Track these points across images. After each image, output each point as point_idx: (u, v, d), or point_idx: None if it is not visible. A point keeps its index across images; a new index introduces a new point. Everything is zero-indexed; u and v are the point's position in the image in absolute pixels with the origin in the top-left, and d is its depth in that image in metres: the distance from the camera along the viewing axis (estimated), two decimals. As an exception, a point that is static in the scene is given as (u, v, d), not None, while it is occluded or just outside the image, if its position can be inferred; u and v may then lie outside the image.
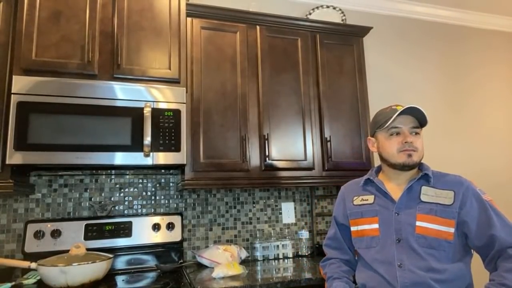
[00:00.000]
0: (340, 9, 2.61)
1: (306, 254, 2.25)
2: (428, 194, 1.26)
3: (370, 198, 1.36)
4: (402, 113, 1.27)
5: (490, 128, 3.09)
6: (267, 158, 2.00)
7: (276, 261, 2.10)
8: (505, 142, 3.12)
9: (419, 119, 1.31)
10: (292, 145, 2.07)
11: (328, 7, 2.60)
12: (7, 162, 1.54)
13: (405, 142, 1.27)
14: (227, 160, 1.93)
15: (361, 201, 1.38)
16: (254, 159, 2.00)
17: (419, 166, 1.33)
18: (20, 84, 1.60)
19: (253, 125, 2.03)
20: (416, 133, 1.30)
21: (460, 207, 1.21)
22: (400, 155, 1.28)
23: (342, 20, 2.57)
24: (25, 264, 1.51)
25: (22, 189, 1.76)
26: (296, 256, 2.25)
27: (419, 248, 1.19)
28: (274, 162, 2.01)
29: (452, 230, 1.19)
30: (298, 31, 2.22)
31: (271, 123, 2.05)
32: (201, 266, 1.95)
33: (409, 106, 1.27)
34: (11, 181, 1.59)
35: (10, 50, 1.67)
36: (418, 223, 1.22)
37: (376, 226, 1.30)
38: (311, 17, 2.54)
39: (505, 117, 3.17)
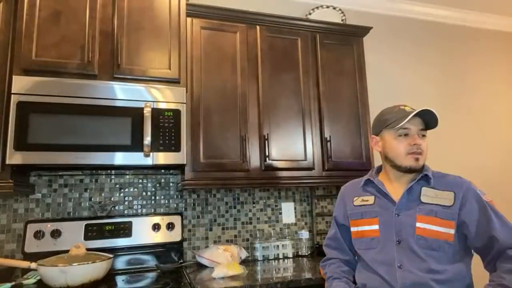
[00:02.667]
0: (340, 9, 2.61)
1: (306, 254, 2.25)
2: (428, 195, 1.26)
3: (370, 199, 1.35)
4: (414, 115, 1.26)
5: (489, 128, 3.09)
6: (267, 158, 2.00)
7: (276, 261, 2.10)
8: (504, 142, 3.12)
9: (427, 122, 1.30)
10: (292, 145, 2.07)
11: (328, 7, 2.60)
12: (7, 162, 1.54)
13: (414, 144, 1.26)
14: (227, 160, 1.93)
15: (361, 201, 1.38)
16: (254, 159, 2.00)
17: None
18: (20, 84, 1.60)
19: (253, 125, 2.03)
20: (423, 135, 1.29)
21: (460, 208, 1.21)
22: (407, 158, 1.26)
23: (342, 20, 2.57)
24: (25, 264, 1.51)
25: (22, 189, 1.76)
26: (296, 256, 2.25)
27: (419, 250, 1.19)
28: (274, 162, 2.01)
29: (452, 231, 1.19)
30: (298, 31, 2.22)
31: (271, 123, 2.05)
32: (201, 266, 1.95)
33: (425, 108, 1.25)
34: (11, 181, 1.59)
35: (10, 50, 1.67)
36: (418, 224, 1.22)
37: (376, 227, 1.30)
38: (311, 17, 2.54)
39: (505, 116, 3.17)
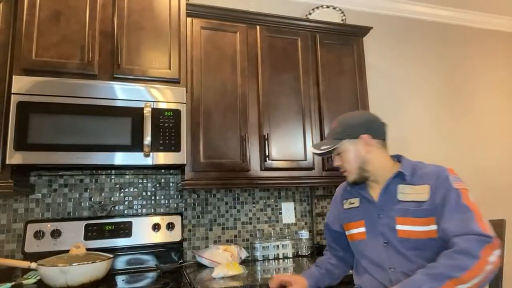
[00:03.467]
0: (340, 9, 2.61)
1: (306, 254, 2.25)
2: (405, 192, 1.21)
3: (356, 201, 1.35)
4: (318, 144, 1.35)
5: (490, 127, 3.09)
6: (267, 158, 2.00)
7: (276, 261, 2.10)
8: (504, 142, 3.11)
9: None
10: (292, 145, 2.07)
11: (328, 7, 2.60)
12: (7, 162, 1.54)
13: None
14: (227, 160, 1.93)
15: (349, 204, 1.38)
16: (254, 159, 2.00)
17: (399, 160, 1.31)
18: (20, 84, 1.60)
19: (253, 125, 2.03)
20: (338, 154, 1.31)
21: (435, 198, 1.15)
22: None
23: (342, 20, 2.57)
24: (25, 264, 1.51)
25: (22, 189, 1.76)
26: (296, 256, 2.25)
27: (405, 251, 1.17)
28: (274, 162, 2.01)
29: (434, 227, 1.13)
30: (298, 31, 2.22)
31: (271, 123, 2.05)
32: (201, 266, 1.95)
33: (316, 151, 1.31)
34: (11, 181, 1.59)
35: (10, 50, 1.67)
36: (398, 227, 1.19)
37: (363, 229, 1.30)
38: (311, 17, 2.54)
39: (505, 116, 3.17)
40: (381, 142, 1.29)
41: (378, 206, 1.26)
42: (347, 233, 1.38)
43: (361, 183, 1.31)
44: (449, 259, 1.00)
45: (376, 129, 1.28)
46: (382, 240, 1.23)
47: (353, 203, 1.36)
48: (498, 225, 1.39)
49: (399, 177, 1.24)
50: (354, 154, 1.27)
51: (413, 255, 1.15)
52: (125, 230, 1.92)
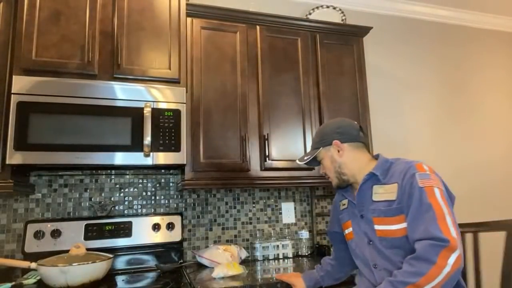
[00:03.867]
0: (340, 9, 2.61)
1: (306, 254, 2.25)
2: (378, 192, 1.24)
3: (346, 202, 1.40)
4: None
5: (489, 128, 3.09)
6: (267, 158, 2.00)
7: (276, 261, 2.10)
8: (505, 142, 3.11)
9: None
10: (292, 145, 2.07)
11: (328, 7, 2.60)
12: (7, 162, 1.54)
13: None
14: (227, 160, 1.93)
15: (342, 206, 1.43)
16: (254, 159, 2.00)
17: (377, 158, 1.34)
18: (20, 84, 1.60)
19: (253, 125, 2.03)
20: (320, 162, 1.40)
21: (402, 198, 1.16)
22: None
23: (342, 20, 2.57)
24: (25, 264, 1.51)
25: (22, 189, 1.76)
26: (296, 256, 2.25)
27: (384, 250, 1.20)
28: (274, 162, 2.01)
29: (405, 225, 1.14)
30: (298, 31, 2.21)
31: (271, 123, 2.05)
32: (201, 266, 1.95)
33: (300, 162, 1.42)
34: (11, 181, 1.59)
35: (10, 50, 1.67)
36: (376, 227, 1.22)
37: (351, 229, 1.35)
38: (311, 17, 2.54)
39: (506, 116, 3.17)
40: (354, 144, 1.33)
41: (358, 207, 1.30)
42: (344, 233, 1.42)
43: (345, 187, 1.36)
44: (408, 266, 1.06)
45: (346, 133, 1.34)
46: (367, 240, 1.26)
47: (344, 204, 1.41)
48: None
49: (374, 178, 1.27)
50: (330, 160, 1.34)
51: (392, 253, 1.18)
52: (125, 230, 1.92)
